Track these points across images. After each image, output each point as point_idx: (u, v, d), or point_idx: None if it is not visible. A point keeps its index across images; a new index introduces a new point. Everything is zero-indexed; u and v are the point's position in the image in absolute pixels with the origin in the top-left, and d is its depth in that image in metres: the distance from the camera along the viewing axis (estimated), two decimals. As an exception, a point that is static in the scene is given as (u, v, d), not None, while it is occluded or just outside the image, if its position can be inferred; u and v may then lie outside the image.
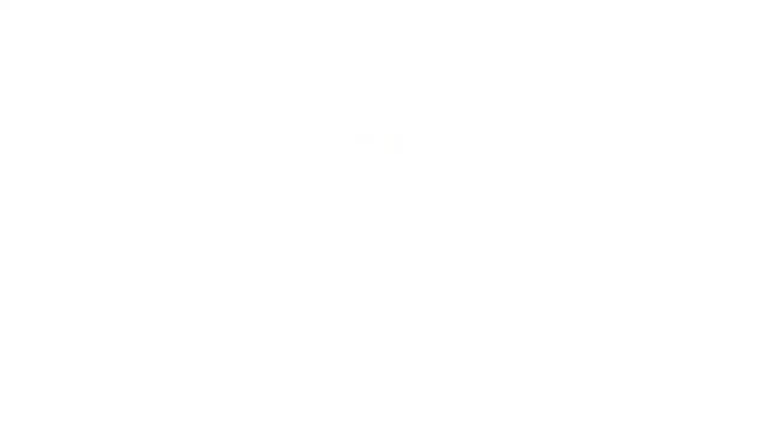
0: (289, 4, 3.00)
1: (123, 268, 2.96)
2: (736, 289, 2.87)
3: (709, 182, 2.90)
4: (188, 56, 3.00)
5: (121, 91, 3.00)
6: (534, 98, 2.95)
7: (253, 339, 2.93)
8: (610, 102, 2.94)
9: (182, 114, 2.99)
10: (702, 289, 2.88)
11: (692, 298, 2.88)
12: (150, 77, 3.00)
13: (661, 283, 2.89)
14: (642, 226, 2.91)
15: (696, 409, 2.85)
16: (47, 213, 2.97)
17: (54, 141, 2.99)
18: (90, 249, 2.97)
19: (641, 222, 2.91)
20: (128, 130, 3.00)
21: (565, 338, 2.89)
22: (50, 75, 3.01)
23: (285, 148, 2.98)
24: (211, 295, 2.95)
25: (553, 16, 2.96)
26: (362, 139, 2.97)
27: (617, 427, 2.85)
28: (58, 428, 2.91)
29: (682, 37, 2.93)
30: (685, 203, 2.90)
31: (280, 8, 3.00)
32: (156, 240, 2.96)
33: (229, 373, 2.92)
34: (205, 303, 2.95)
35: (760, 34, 2.91)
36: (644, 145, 2.92)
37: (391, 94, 2.98)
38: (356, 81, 2.98)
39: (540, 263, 2.92)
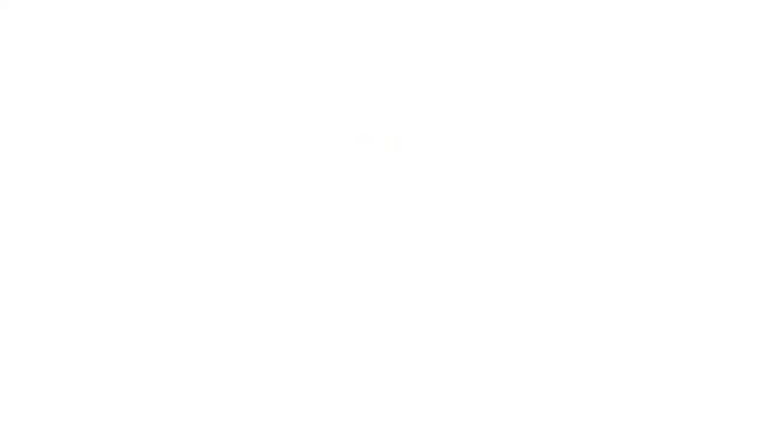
0: (289, 4, 3.00)
1: (123, 267, 2.96)
2: (736, 289, 2.87)
3: (709, 182, 2.90)
4: (188, 56, 3.00)
5: (122, 91, 3.00)
6: (534, 98, 2.95)
7: (253, 338, 2.93)
8: (610, 102, 2.94)
9: (182, 114, 2.99)
10: (702, 289, 2.88)
11: (692, 298, 2.88)
12: (150, 77, 3.00)
13: (661, 283, 2.89)
14: (642, 226, 2.91)
15: (696, 410, 2.85)
16: (47, 213, 2.97)
17: (54, 141, 2.99)
18: (90, 249, 2.97)
19: (641, 222, 2.91)
20: (128, 130, 3.00)
21: (565, 338, 2.89)
22: (50, 75, 3.01)
23: (285, 148, 2.98)
24: (212, 294, 2.95)
25: (553, 16, 2.96)
26: (362, 139, 2.97)
27: (617, 427, 2.85)
28: (58, 428, 2.91)
29: (682, 37, 2.93)
30: (685, 203, 2.90)
31: (280, 8, 3.00)
32: (156, 240, 2.96)
33: (229, 373, 2.93)
34: (205, 302, 2.95)
35: (760, 34, 2.91)
36: (644, 145, 2.92)
37: (391, 94, 2.98)
38: (356, 81, 2.98)
39: (540, 263, 2.92)
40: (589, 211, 2.92)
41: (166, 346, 2.94)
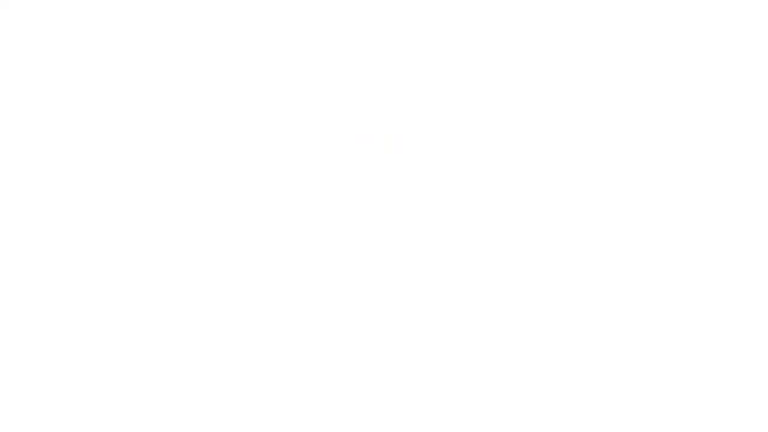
0: (289, 4, 3.00)
1: (123, 268, 2.96)
2: (736, 289, 2.87)
3: (709, 182, 2.90)
4: (188, 56, 3.00)
5: (121, 91, 3.00)
6: (534, 98, 2.95)
7: (253, 339, 2.93)
8: (610, 102, 2.94)
9: (182, 114, 2.99)
10: (702, 289, 2.88)
11: (692, 298, 2.88)
12: (150, 77, 3.00)
13: (661, 283, 2.89)
14: (642, 226, 2.91)
15: (696, 410, 2.85)
16: (47, 213, 2.97)
17: (54, 141, 2.99)
18: (90, 249, 2.97)
19: (641, 222, 2.91)
20: (128, 130, 3.00)
21: (565, 338, 2.89)
22: (50, 75, 3.01)
23: (285, 148, 2.98)
24: (212, 294, 2.95)
25: (553, 16, 2.96)
26: (362, 139, 2.97)
27: (617, 427, 2.85)
28: (58, 428, 2.91)
29: (682, 37, 2.93)
30: (685, 203, 2.90)
31: (280, 8, 3.00)
32: (156, 240, 2.96)
33: (229, 373, 2.93)
34: (205, 303, 2.95)
35: (760, 34, 2.91)
36: (644, 145, 2.92)
37: (391, 94, 2.98)
38: (356, 81, 2.98)
39: (540, 263, 2.92)
40: (589, 210, 2.92)
41: (166, 345, 2.94)
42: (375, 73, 2.98)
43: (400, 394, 2.91)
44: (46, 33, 3.01)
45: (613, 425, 2.86)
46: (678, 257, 2.89)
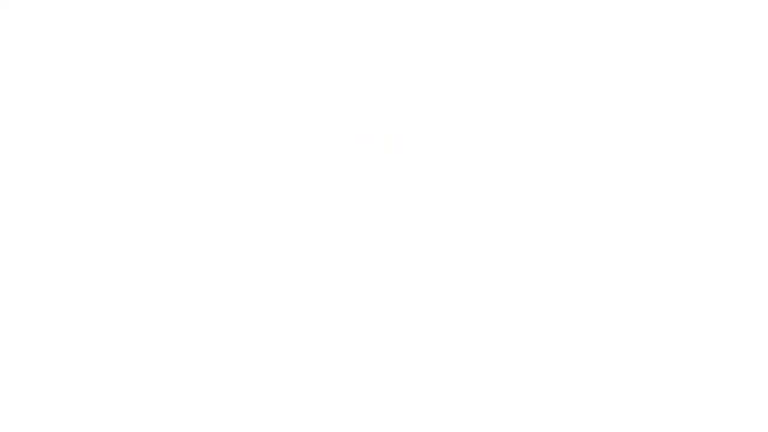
0: (289, 4, 3.00)
1: (123, 268, 2.96)
2: (736, 289, 2.87)
3: (709, 182, 2.90)
4: (188, 56, 3.00)
5: (121, 91, 3.00)
6: (534, 98, 2.96)
7: (253, 339, 2.93)
8: (610, 102, 2.94)
9: (182, 114, 2.99)
10: (702, 289, 2.88)
11: (692, 298, 2.88)
12: (150, 77, 3.00)
13: (661, 283, 2.89)
14: (642, 227, 2.91)
15: (696, 410, 2.85)
16: (47, 213, 2.97)
17: (54, 141, 2.99)
18: (90, 249, 2.97)
19: (641, 222, 2.91)
20: (128, 130, 3.00)
21: (565, 338, 2.90)
22: (50, 75, 3.01)
23: (285, 148, 2.98)
24: (211, 294, 2.95)
25: (553, 16, 2.96)
26: (362, 139, 2.97)
27: (617, 427, 2.86)
28: (58, 428, 2.92)
29: (682, 37, 2.93)
30: (685, 203, 2.90)
31: (280, 8, 3.00)
32: (156, 240, 2.96)
33: (229, 373, 2.93)
34: (205, 303, 2.95)
35: (760, 34, 2.91)
36: (644, 145, 2.92)
37: (391, 94, 2.98)
38: (356, 81, 2.98)
39: (539, 263, 2.92)
40: (588, 210, 2.92)
41: (166, 345, 2.94)
42: (375, 73, 2.98)
43: (400, 393, 2.91)
44: (46, 33, 3.01)
45: (613, 425, 2.86)
46: (677, 257, 2.89)
